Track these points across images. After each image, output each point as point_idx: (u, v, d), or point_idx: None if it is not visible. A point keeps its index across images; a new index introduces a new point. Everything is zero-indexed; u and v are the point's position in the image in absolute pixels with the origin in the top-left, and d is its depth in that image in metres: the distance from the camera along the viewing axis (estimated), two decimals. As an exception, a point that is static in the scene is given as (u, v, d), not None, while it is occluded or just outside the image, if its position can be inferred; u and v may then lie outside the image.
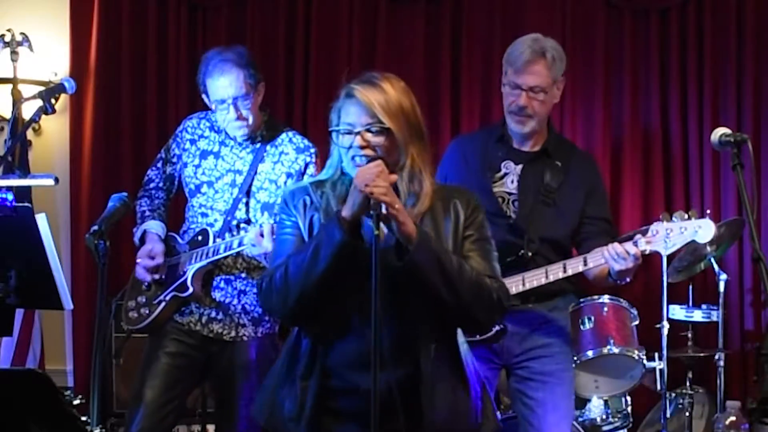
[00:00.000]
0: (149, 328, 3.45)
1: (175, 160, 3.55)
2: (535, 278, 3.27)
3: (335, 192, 2.50)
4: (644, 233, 3.18)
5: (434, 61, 5.08)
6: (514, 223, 3.35)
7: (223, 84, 3.29)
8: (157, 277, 3.42)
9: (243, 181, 3.40)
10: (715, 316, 4.43)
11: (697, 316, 4.57)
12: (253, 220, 3.38)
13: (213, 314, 3.40)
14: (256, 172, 3.40)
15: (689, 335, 4.58)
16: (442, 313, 2.41)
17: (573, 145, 3.78)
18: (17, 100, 4.90)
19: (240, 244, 3.24)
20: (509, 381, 3.45)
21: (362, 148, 2.40)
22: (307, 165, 3.41)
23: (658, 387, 3.89)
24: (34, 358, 4.85)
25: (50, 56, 5.05)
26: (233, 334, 3.40)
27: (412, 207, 2.44)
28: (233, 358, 3.40)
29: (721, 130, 2.81)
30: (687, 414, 4.38)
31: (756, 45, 4.94)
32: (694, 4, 4.99)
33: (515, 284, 3.27)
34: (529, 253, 3.31)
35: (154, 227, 3.49)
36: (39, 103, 3.13)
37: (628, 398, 4.10)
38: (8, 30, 4.97)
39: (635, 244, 3.13)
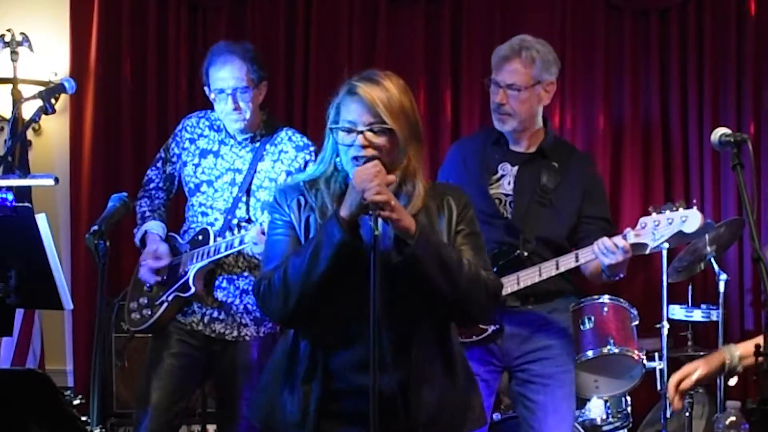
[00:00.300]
0: (152, 329, 3.45)
1: (174, 159, 3.55)
2: (529, 277, 3.28)
3: (329, 190, 2.48)
4: (634, 227, 3.19)
5: (434, 61, 5.08)
6: (509, 223, 3.36)
7: (225, 74, 3.31)
8: (160, 278, 3.43)
9: (243, 179, 3.40)
10: (715, 316, 4.43)
11: (697, 316, 4.57)
12: (253, 218, 3.38)
13: (215, 314, 3.40)
14: (255, 171, 3.40)
15: (689, 335, 4.58)
16: (441, 307, 2.42)
17: (572, 146, 3.78)
18: (17, 100, 4.89)
19: (241, 243, 3.24)
20: (510, 383, 3.45)
21: (364, 147, 2.39)
22: (306, 163, 3.41)
23: (658, 387, 3.89)
24: (34, 358, 4.84)
25: (50, 56, 5.05)
26: (235, 333, 3.40)
27: (405, 207, 2.42)
28: (235, 358, 3.40)
29: (721, 130, 2.81)
30: (687, 414, 4.38)
31: (756, 45, 4.94)
32: (694, 4, 4.99)
33: (510, 284, 3.27)
34: (525, 253, 3.31)
35: (155, 228, 3.49)
36: (39, 103, 3.14)
37: (628, 398, 4.10)
38: (8, 30, 4.96)
39: (624, 237, 3.13)
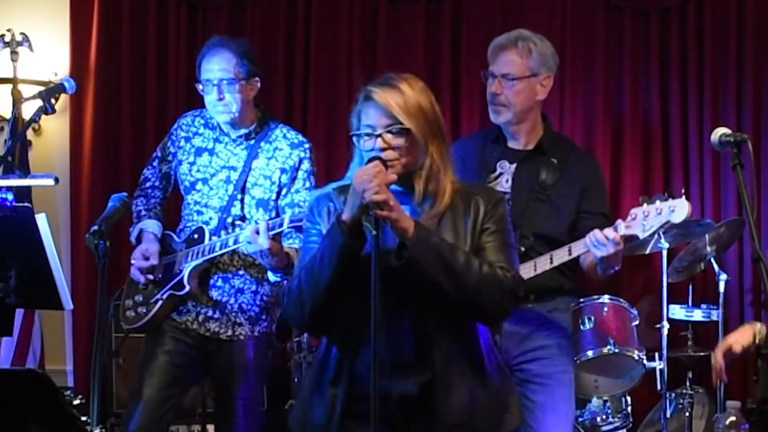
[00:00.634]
0: (147, 327, 3.45)
1: (170, 158, 3.55)
2: (524, 272, 3.27)
3: None
4: (625, 218, 3.18)
5: (434, 61, 5.09)
6: None
7: (212, 65, 3.33)
8: (151, 277, 3.42)
9: (238, 177, 3.40)
10: (715, 315, 4.44)
11: (697, 315, 4.57)
12: (248, 216, 3.38)
13: (210, 313, 3.40)
14: (250, 169, 3.40)
15: (689, 335, 4.58)
16: (449, 308, 2.40)
17: (572, 143, 3.77)
18: (17, 100, 4.90)
19: (235, 242, 3.24)
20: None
21: (383, 150, 2.39)
22: (301, 160, 3.41)
23: (658, 387, 3.90)
24: (34, 358, 4.85)
25: (50, 56, 5.06)
26: (230, 333, 3.40)
27: (430, 208, 2.43)
28: (231, 357, 3.40)
29: (721, 130, 2.81)
30: (687, 414, 4.38)
31: (756, 45, 4.94)
32: (694, 4, 4.99)
33: None
34: (522, 249, 3.31)
35: (150, 226, 3.49)
36: (39, 103, 3.13)
37: (628, 398, 4.10)
38: (8, 30, 4.97)
39: (615, 229, 3.13)
